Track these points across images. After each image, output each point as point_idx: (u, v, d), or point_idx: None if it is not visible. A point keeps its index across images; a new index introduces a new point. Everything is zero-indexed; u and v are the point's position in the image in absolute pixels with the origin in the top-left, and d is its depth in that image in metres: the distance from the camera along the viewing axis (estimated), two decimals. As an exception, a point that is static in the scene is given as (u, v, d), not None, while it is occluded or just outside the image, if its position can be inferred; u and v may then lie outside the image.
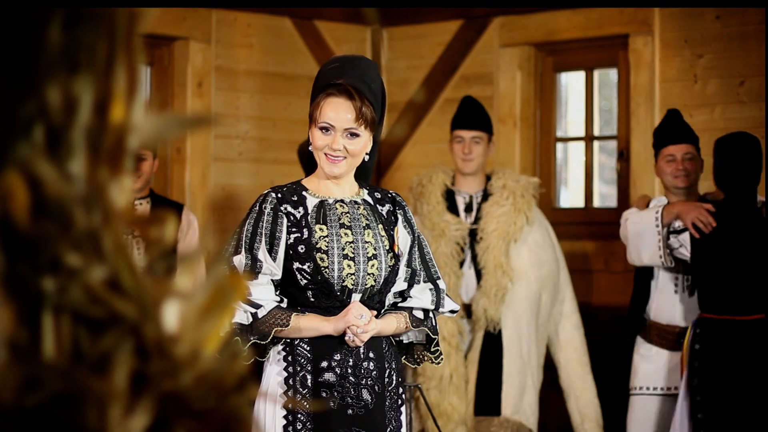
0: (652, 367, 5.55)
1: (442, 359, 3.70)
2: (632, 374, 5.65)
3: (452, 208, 5.99)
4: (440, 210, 5.94)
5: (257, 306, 3.43)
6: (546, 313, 5.95)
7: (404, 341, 3.69)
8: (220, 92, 6.73)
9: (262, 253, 3.46)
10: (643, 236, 5.45)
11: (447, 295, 3.68)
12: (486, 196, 5.96)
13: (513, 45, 6.88)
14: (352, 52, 6.95)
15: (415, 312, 3.60)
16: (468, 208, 5.99)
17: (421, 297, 3.62)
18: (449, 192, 6.02)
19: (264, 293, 3.46)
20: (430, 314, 3.64)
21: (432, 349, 3.67)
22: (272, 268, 3.46)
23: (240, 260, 3.45)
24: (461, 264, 5.91)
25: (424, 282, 3.63)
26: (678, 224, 5.39)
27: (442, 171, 6.07)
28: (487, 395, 5.84)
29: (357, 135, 3.50)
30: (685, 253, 5.39)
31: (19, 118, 1.20)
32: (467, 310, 5.88)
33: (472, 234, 5.91)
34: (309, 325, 3.45)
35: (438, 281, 3.66)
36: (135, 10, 1.24)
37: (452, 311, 3.68)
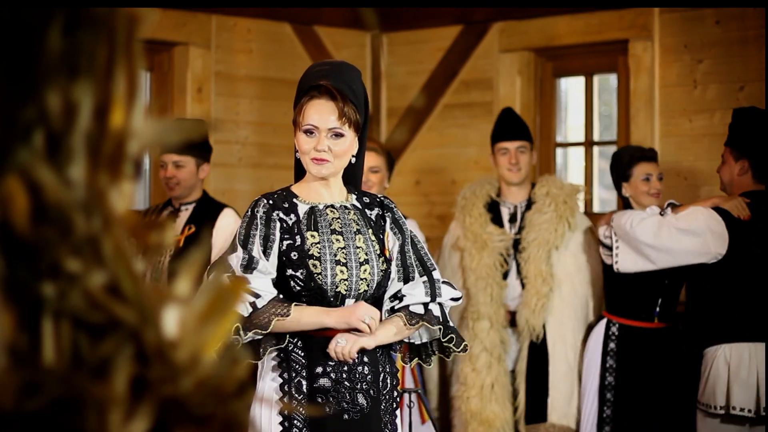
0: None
1: (466, 347, 3.62)
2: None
3: (496, 219, 6.01)
4: (482, 221, 5.97)
5: (256, 295, 3.40)
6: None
7: (416, 343, 3.65)
8: (219, 98, 6.73)
9: (257, 253, 3.45)
10: None
11: (446, 283, 3.63)
12: (530, 205, 5.98)
13: (513, 50, 6.88)
14: (351, 57, 6.95)
15: (412, 308, 3.55)
16: (512, 219, 6.02)
17: (413, 292, 3.56)
18: (494, 203, 6.04)
19: (262, 284, 3.44)
20: (430, 306, 3.59)
21: (448, 340, 3.56)
22: (267, 266, 3.45)
23: (237, 256, 3.44)
24: (505, 275, 5.94)
25: (419, 276, 3.60)
26: None
27: (488, 183, 6.09)
28: (536, 403, 5.87)
29: (341, 135, 3.49)
30: None
31: (19, 124, 1.20)
32: (512, 320, 5.92)
33: (516, 244, 5.94)
34: (310, 315, 3.43)
35: (433, 272, 3.61)
36: (135, 15, 1.24)
37: (453, 299, 3.63)
